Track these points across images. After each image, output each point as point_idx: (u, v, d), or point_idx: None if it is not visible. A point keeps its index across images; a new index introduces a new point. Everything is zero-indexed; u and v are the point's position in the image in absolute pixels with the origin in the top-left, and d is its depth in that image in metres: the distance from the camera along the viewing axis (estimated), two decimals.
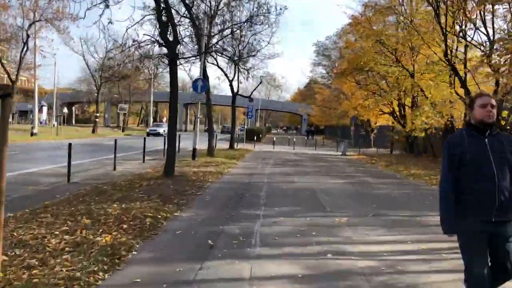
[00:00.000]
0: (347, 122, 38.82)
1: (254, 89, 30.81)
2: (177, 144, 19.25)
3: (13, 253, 4.30)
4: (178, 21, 16.36)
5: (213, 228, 5.86)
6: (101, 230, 5.38)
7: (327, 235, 5.69)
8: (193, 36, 18.34)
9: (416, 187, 11.34)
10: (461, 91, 16.81)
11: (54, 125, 37.76)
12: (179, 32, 14.38)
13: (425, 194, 10.11)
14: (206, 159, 16.70)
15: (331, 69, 48.76)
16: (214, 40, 19.75)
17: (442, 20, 15.03)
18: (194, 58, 18.54)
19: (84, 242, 4.85)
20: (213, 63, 22.86)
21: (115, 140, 13.46)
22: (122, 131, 49.74)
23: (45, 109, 50.27)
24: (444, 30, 14.66)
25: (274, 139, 35.04)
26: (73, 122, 72.93)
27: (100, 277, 3.87)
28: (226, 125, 71.50)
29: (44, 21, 26.52)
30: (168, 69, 11.90)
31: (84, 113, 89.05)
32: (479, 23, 14.97)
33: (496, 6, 14.13)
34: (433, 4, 15.00)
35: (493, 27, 14.22)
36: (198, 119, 18.03)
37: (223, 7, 19.44)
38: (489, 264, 2.89)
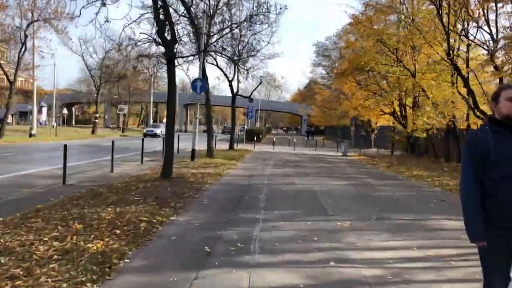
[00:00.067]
0: (348, 123, 38.59)
1: (254, 89, 30.61)
2: (176, 145, 19.06)
3: None
4: (177, 20, 16.21)
5: (211, 233, 5.62)
6: (93, 236, 5.15)
7: (329, 241, 5.45)
8: (192, 35, 18.10)
9: (418, 189, 11.11)
10: (463, 91, 16.59)
11: (53, 126, 37.52)
12: (177, 31, 14.17)
13: (428, 196, 9.88)
14: (205, 160, 16.46)
15: (331, 70, 48.57)
16: (214, 40, 19.50)
17: (445, 19, 14.82)
18: (193, 57, 18.33)
19: (74, 249, 4.61)
20: (212, 63, 22.66)
21: (112, 142, 13.20)
22: (122, 132, 49.50)
23: (44, 110, 50.05)
24: (447, 28, 14.43)
25: (274, 139, 34.82)
26: (73, 123, 72.77)
27: None
28: (227, 125, 71.21)
29: (42, 21, 26.29)
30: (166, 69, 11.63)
31: (84, 114, 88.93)
32: (482, 22, 14.76)
33: (499, 5, 13.92)
34: (436, 2, 14.77)
35: (497, 26, 13.99)
36: (198, 120, 17.75)
37: (222, 6, 19.21)
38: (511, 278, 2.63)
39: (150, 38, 11.27)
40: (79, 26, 41.08)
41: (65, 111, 47.63)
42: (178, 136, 23.15)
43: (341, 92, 36.10)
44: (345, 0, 73.55)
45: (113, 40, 15.52)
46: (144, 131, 44.19)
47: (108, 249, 4.70)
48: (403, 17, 20.35)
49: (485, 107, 15.83)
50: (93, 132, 41.87)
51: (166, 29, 10.64)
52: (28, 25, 25.96)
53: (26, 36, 25.11)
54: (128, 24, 11.01)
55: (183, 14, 15.99)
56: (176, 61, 16.78)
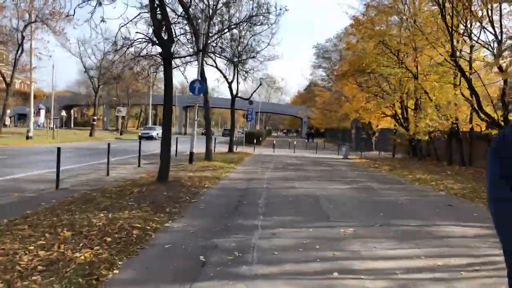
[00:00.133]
0: (348, 125, 38.37)
1: (254, 91, 30.41)
2: (174, 148, 18.78)
3: None
4: (176, 21, 15.94)
5: (206, 242, 5.32)
6: (81, 244, 4.85)
7: (332, 249, 5.15)
8: (191, 34, 17.80)
9: (423, 193, 10.79)
10: (466, 93, 16.32)
11: (50, 128, 37.22)
12: (175, 31, 13.90)
13: (434, 201, 9.57)
14: (203, 163, 16.16)
15: (332, 72, 48.44)
16: (213, 40, 19.21)
17: (447, 19, 14.56)
18: (191, 58, 18.05)
19: (60, 259, 4.32)
20: (212, 65, 22.37)
21: (108, 144, 12.93)
22: (120, 134, 49.17)
23: (43, 112, 49.77)
24: (451, 29, 14.17)
25: (274, 142, 34.56)
26: (72, 125, 72.50)
27: None
28: (227, 128, 70.97)
29: (39, 22, 26.04)
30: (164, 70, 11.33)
31: (83, 116, 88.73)
32: (485, 22, 14.50)
33: (504, 5, 13.65)
34: (439, 2, 14.52)
35: (501, 26, 13.72)
36: (196, 122, 17.46)
37: (221, 7, 18.95)
38: None
39: (146, 37, 10.97)
40: (77, 27, 40.85)
41: (63, 113, 47.37)
42: (177, 138, 22.87)
43: (342, 94, 35.89)
44: (346, 1, 73.38)
45: (108, 39, 15.16)
46: (140, 133, 43.61)
47: (96, 259, 4.40)
48: (405, 18, 20.10)
49: (489, 109, 15.55)
50: (91, 134, 41.57)
51: (163, 28, 10.37)
52: (25, 26, 25.72)
53: (23, 38, 24.86)
54: (125, 24, 10.72)
55: (182, 15, 15.73)
56: (174, 63, 16.53)
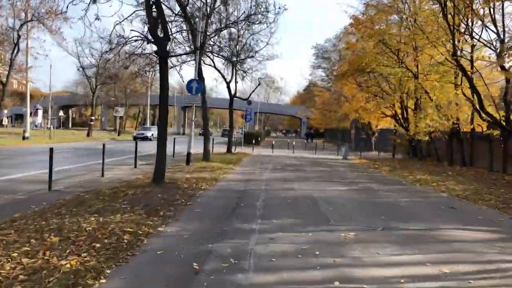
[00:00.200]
0: (348, 125, 38.15)
1: (252, 91, 30.14)
2: (171, 148, 18.51)
3: None
4: (173, 20, 15.67)
5: (201, 247, 5.07)
6: (68, 251, 4.61)
7: (333, 255, 4.90)
8: (187, 33, 17.54)
9: (424, 195, 10.54)
10: (468, 92, 16.09)
11: (48, 128, 36.94)
12: (171, 29, 13.64)
13: (436, 202, 9.33)
14: (201, 164, 15.90)
15: (331, 72, 48.17)
16: (210, 38, 18.93)
17: (449, 18, 14.33)
18: (188, 57, 17.78)
19: (44, 268, 4.08)
20: (209, 64, 22.11)
21: (103, 145, 12.66)
22: (118, 134, 48.87)
23: (40, 112, 49.48)
24: (452, 28, 13.93)
25: (273, 142, 34.28)
26: (70, 125, 72.17)
27: None
28: (226, 128, 70.72)
29: (36, 21, 25.75)
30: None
31: (81, 117, 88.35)
32: (487, 20, 14.28)
33: (506, 3, 13.44)
34: (441, 1, 14.29)
35: (504, 25, 13.49)
36: (193, 122, 17.16)
37: (219, 5, 18.69)
38: None
39: (142, 35, 10.70)
40: (74, 27, 40.60)
41: (61, 113, 47.02)
42: (174, 139, 22.62)
43: (341, 94, 35.68)
44: (345, 0, 73.10)
45: (103, 38, 14.96)
46: (134, 134, 43.02)
47: (83, 267, 4.16)
48: (405, 17, 19.87)
49: (490, 109, 15.32)
50: (88, 134, 41.29)
51: (159, 26, 10.12)
52: (21, 25, 25.43)
53: (19, 37, 24.58)
54: (120, 22, 10.46)
55: (179, 13, 15.45)
56: (170, 62, 16.28)
